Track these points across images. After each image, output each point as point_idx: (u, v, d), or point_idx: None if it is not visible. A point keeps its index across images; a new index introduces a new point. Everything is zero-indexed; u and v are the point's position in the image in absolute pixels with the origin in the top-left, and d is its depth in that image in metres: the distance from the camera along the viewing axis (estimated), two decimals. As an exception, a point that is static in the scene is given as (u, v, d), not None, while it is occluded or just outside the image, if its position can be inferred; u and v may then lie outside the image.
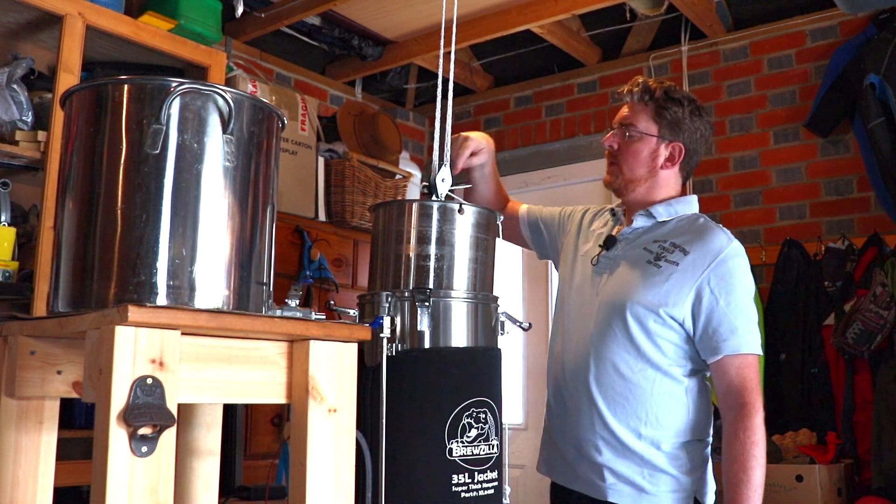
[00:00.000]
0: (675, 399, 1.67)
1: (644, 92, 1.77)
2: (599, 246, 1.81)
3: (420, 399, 1.40)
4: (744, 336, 1.62)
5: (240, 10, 2.91)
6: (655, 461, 1.65)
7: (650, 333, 1.66)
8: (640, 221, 1.78)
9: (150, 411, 0.93)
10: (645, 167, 1.77)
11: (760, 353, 1.65)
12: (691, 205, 1.80)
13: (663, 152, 1.76)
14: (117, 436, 0.92)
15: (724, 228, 1.74)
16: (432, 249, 1.47)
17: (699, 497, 1.68)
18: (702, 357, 1.67)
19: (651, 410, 1.66)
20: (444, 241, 1.47)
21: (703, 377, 1.72)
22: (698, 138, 1.79)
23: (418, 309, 1.42)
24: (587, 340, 1.72)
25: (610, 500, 1.65)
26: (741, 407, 1.61)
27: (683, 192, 1.84)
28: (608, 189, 1.86)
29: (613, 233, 1.82)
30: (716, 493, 1.73)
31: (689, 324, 1.66)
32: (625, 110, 1.81)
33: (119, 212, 1.04)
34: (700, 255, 1.66)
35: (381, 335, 1.38)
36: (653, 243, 1.73)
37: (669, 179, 1.79)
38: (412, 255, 1.47)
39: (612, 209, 1.91)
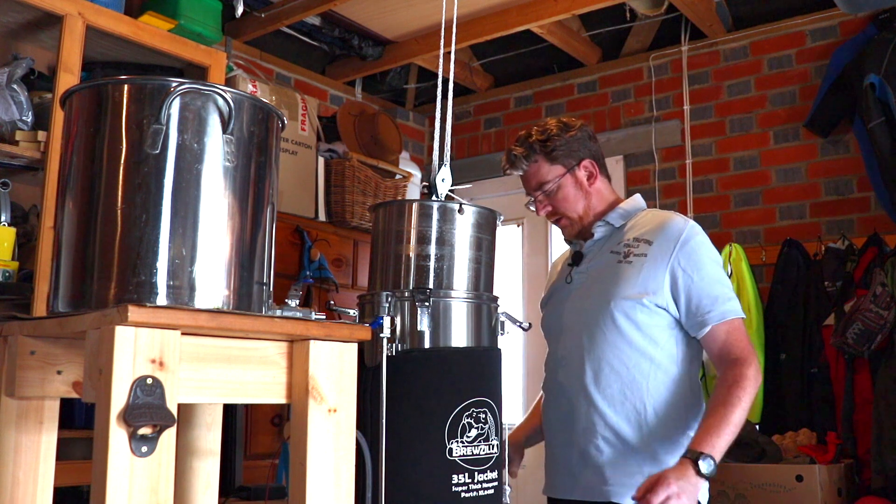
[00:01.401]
0: (670, 392, 1.71)
1: (524, 157, 1.86)
2: (568, 265, 1.90)
3: (420, 399, 1.40)
4: (724, 303, 1.70)
5: (240, 10, 2.91)
6: (655, 458, 1.68)
7: (639, 325, 1.72)
8: (599, 232, 1.87)
9: (150, 411, 0.93)
10: (581, 199, 1.87)
11: (743, 315, 1.74)
12: (639, 203, 1.91)
13: (582, 175, 1.86)
14: (117, 436, 0.92)
15: (678, 213, 1.83)
16: (432, 249, 1.47)
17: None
18: (692, 335, 1.73)
19: (648, 403, 1.70)
20: (444, 241, 1.47)
21: (694, 368, 1.77)
22: (590, 144, 1.89)
23: (418, 309, 1.42)
24: (580, 347, 1.77)
25: (613, 500, 1.66)
26: (734, 361, 1.68)
27: (616, 195, 1.93)
28: (573, 239, 1.93)
29: (579, 249, 1.90)
30: (709, 490, 1.74)
31: (672, 308, 1.72)
32: (526, 179, 1.89)
33: (119, 212, 1.04)
34: (663, 241, 1.74)
35: (381, 335, 1.38)
36: (617, 245, 1.81)
37: (601, 189, 1.90)
38: (412, 255, 1.47)
39: (567, 240, 1.97)
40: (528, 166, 1.86)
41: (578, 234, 1.90)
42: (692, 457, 1.57)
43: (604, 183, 1.90)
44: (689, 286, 1.70)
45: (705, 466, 1.56)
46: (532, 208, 1.91)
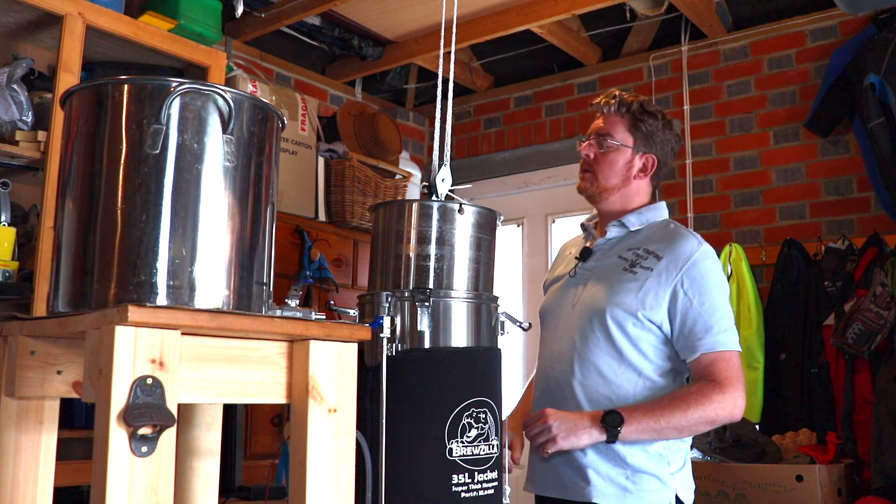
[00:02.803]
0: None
1: (620, 104, 1.83)
2: (576, 258, 1.87)
3: (420, 399, 1.40)
4: (719, 334, 1.67)
5: (240, 10, 2.91)
6: (637, 462, 1.67)
7: (630, 337, 1.71)
8: (613, 232, 1.84)
9: (150, 411, 0.93)
10: (620, 176, 1.83)
11: (738, 349, 1.70)
12: (661, 212, 1.87)
13: (638, 163, 1.83)
14: (117, 436, 0.92)
15: (695, 233, 1.80)
16: (432, 249, 1.46)
17: (680, 496, 1.70)
18: (681, 357, 1.71)
19: None
20: (444, 241, 1.47)
21: (679, 381, 1.76)
22: (668, 150, 1.86)
23: (418, 309, 1.42)
24: (571, 347, 1.76)
25: (594, 500, 1.67)
26: (711, 381, 1.65)
27: (652, 201, 1.90)
28: (581, 195, 1.90)
29: (588, 244, 1.88)
30: (694, 492, 1.75)
31: (666, 326, 1.70)
32: (600, 121, 1.86)
33: (119, 212, 1.04)
34: (672, 259, 1.71)
35: (381, 335, 1.38)
36: (627, 251, 1.78)
37: (641, 189, 1.86)
38: (412, 255, 1.47)
39: (583, 224, 1.97)
40: (612, 115, 1.84)
41: (589, 199, 1.88)
42: (606, 410, 1.64)
43: (647, 186, 1.86)
44: (686, 309, 1.68)
45: (610, 419, 1.62)
46: (581, 145, 1.87)
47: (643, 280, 1.71)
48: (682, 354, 1.70)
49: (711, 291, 1.69)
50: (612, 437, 1.62)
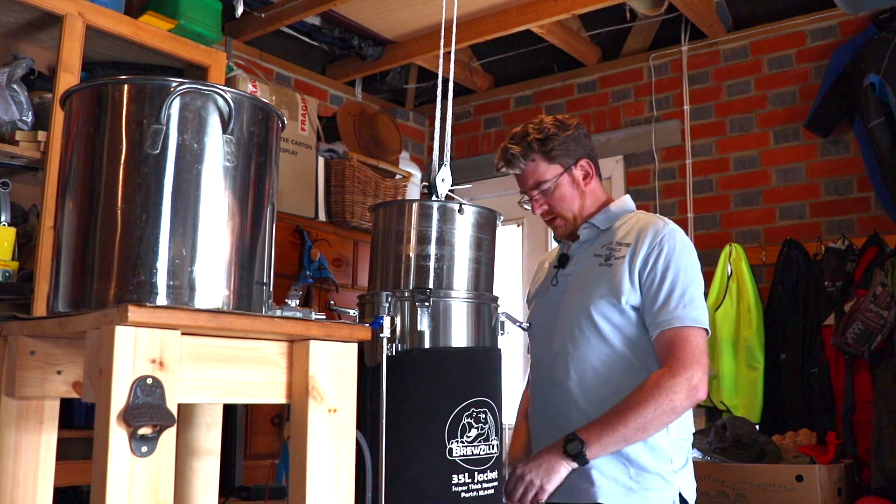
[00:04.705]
0: None
1: (521, 156, 1.83)
2: (555, 267, 1.89)
3: (420, 399, 1.40)
4: (676, 310, 1.66)
5: (240, 10, 2.91)
6: (641, 459, 1.67)
7: (619, 328, 1.72)
8: (585, 234, 1.86)
9: (150, 411, 0.93)
10: (577, 198, 1.86)
11: (700, 325, 1.67)
12: (627, 204, 1.89)
13: (578, 175, 1.86)
14: (117, 436, 0.92)
15: (661, 216, 1.81)
16: (432, 249, 1.47)
17: (683, 493, 1.70)
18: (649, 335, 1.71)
19: None
20: (444, 241, 1.47)
21: None
22: (587, 143, 1.89)
23: (418, 309, 1.42)
24: (564, 350, 1.77)
25: (599, 500, 1.66)
26: (665, 367, 1.64)
27: (608, 196, 1.92)
28: (563, 238, 1.92)
29: (565, 251, 1.90)
30: (696, 489, 1.75)
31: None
32: (523, 177, 1.87)
33: (119, 212, 1.04)
34: (640, 242, 1.74)
35: (381, 335, 1.38)
36: (601, 248, 1.81)
37: (595, 191, 1.89)
38: (412, 255, 1.47)
39: (556, 237, 1.98)
40: (526, 165, 1.84)
41: (570, 233, 1.89)
42: (566, 436, 1.64)
43: (597, 183, 1.90)
44: (650, 287, 1.69)
45: (572, 447, 1.62)
46: (527, 207, 1.89)
47: (618, 269, 1.73)
48: (650, 332, 1.70)
49: (675, 269, 1.69)
50: (583, 461, 1.62)
